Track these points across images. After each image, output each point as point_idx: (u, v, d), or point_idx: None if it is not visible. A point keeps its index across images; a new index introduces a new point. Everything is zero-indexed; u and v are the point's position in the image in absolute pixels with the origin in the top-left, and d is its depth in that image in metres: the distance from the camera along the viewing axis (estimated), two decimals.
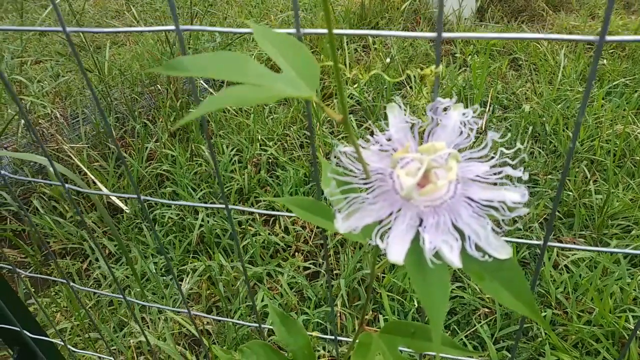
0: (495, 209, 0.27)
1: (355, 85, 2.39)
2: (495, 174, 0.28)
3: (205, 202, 1.81)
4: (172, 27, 0.40)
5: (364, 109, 2.26)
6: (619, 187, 1.70)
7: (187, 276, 1.53)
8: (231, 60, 0.26)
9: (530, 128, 1.97)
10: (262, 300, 1.41)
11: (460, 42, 2.76)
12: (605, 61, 2.39)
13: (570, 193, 1.69)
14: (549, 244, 0.40)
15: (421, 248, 0.27)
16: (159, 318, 1.40)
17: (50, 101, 2.21)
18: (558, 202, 0.36)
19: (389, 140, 0.30)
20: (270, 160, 1.95)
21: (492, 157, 0.28)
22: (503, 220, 0.27)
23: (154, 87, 2.35)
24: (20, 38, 3.38)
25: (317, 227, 1.66)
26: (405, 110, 0.30)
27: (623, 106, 2.06)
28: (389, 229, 0.27)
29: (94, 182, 1.87)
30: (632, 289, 1.35)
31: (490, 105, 2.21)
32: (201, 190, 1.80)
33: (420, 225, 0.27)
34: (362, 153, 0.29)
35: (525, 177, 0.27)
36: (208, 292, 1.47)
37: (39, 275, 0.78)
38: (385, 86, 2.36)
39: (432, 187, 0.27)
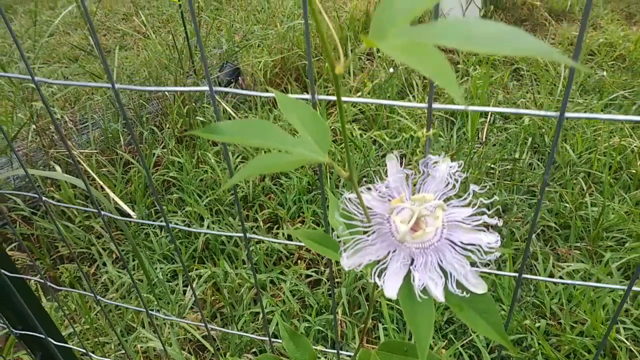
0: (473, 252, 0.31)
1: (359, 94, 2.43)
2: (475, 220, 0.32)
3: (211, 209, 1.85)
4: (206, 88, 0.45)
5: (367, 118, 2.30)
6: (614, 199, 1.74)
7: (193, 282, 1.57)
8: (259, 127, 0.31)
9: (530, 139, 2.01)
10: (265, 307, 1.45)
11: (463, 52, 2.79)
12: (605, 73, 2.43)
13: (567, 205, 1.73)
14: (524, 275, 0.44)
15: (411, 284, 0.31)
16: (164, 323, 1.45)
17: (60, 106, 2.26)
18: (537, 216, 0.40)
19: (387, 188, 0.34)
20: None
21: (474, 205, 0.33)
22: (480, 261, 0.31)
23: (161, 93, 2.40)
24: (32, 39, 3.44)
25: None
26: (401, 162, 0.34)
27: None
28: (386, 267, 0.31)
29: (102, 188, 1.92)
30: None
31: (490, 116, 2.25)
32: (207, 197, 1.84)
33: (411, 264, 0.32)
34: (364, 198, 0.33)
35: (500, 223, 0.31)
36: (213, 298, 1.51)
37: (69, 289, 0.82)
38: (388, 95, 2.40)
39: (422, 232, 0.31)
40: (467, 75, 2.53)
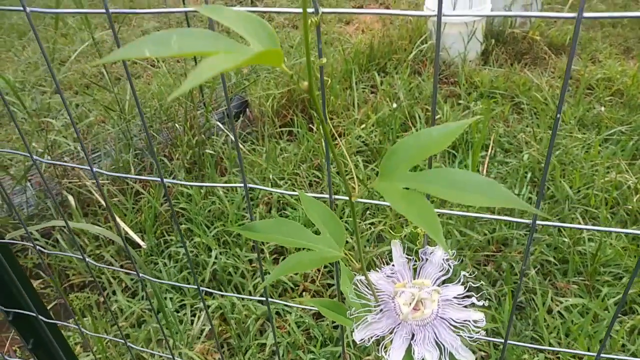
0: (462, 329, 0.37)
1: (363, 126, 2.50)
2: (465, 301, 0.38)
3: (219, 239, 1.90)
4: (241, 184, 0.51)
5: (371, 150, 2.37)
6: (612, 235, 1.79)
7: (200, 312, 1.62)
8: (290, 227, 0.37)
9: (529, 174, 2.06)
10: (270, 339, 1.50)
11: (465, 84, 2.87)
12: (603, 108, 2.49)
13: (566, 239, 1.78)
14: (509, 341, 0.49)
15: (412, 355, 0.37)
16: (173, 353, 1.49)
17: (74, 138, 2.33)
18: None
19: (392, 271, 0.40)
20: (280, 200, 2.06)
21: (464, 288, 0.38)
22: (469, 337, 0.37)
23: (171, 124, 2.47)
24: (55, 67, 3.53)
25: (324, 267, 1.75)
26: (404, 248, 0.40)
27: (619, 154, 2.16)
28: (390, 341, 0.37)
29: (113, 218, 1.97)
30: (620, 336, 1.43)
31: (492, 149, 2.31)
32: (215, 228, 1.90)
33: (412, 338, 0.37)
34: (374, 277, 0.39)
35: (486, 304, 0.37)
36: (220, 328, 1.56)
37: (107, 337, 0.88)
38: (392, 127, 2.47)
39: (421, 313, 0.37)
40: (468, 109, 2.60)
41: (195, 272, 1.72)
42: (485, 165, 2.21)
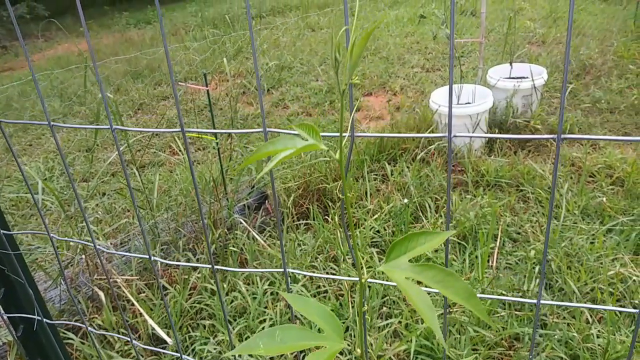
0: None
1: (376, 217, 2.63)
2: None
3: (241, 334, 1.99)
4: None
5: (384, 241, 2.48)
6: (621, 330, 1.85)
7: None
8: None
9: (537, 267, 2.15)
10: None
11: (472, 173, 3.02)
12: (604, 198, 2.61)
13: (575, 335, 1.84)
14: None
15: None
16: None
17: (106, 236, 2.48)
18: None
19: None
20: (300, 293, 2.15)
21: None
22: None
23: (195, 216, 2.62)
24: (82, 156, 3.74)
25: None
26: None
27: (622, 245, 2.25)
28: None
29: (140, 314, 2.08)
30: None
31: (500, 239, 2.41)
32: (238, 324, 1.99)
33: None
34: None
35: None
36: None
37: None
38: (404, 220, 2.60)
39: None
40: (475, 197, 2.73)
41: None
42: (495, 257, 2.31)
